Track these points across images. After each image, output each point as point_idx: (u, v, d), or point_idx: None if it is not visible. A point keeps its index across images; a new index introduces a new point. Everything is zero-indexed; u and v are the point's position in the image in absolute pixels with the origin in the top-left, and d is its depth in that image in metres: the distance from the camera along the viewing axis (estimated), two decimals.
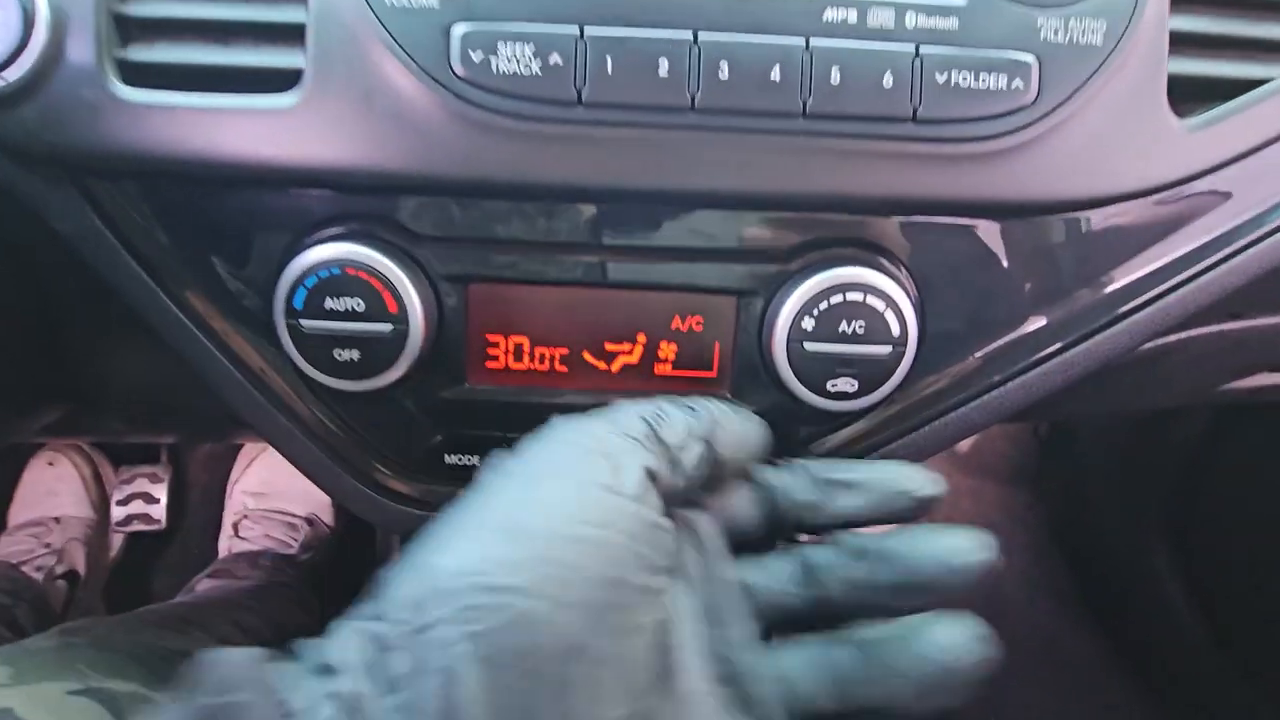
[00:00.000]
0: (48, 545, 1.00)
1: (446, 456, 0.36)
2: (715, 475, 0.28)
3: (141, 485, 1.07)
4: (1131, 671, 0.92)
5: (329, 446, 0.36)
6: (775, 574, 0.28)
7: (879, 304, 0.31)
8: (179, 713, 0.18)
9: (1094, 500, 0.96)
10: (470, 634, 0.18)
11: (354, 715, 0.17)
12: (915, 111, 0.29)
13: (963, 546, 0.27)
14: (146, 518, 1.06)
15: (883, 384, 0.32)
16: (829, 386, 0.32)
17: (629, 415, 0.25)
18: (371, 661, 0.18)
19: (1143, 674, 0.91)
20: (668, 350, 0.35)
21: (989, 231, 0.32)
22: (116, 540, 1.08)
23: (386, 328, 0.32)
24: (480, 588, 0.19)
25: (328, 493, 0.37)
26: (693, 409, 0.27)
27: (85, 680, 0.37)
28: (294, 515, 1.02)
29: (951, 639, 0.25)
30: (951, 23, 0.29)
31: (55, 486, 1.07)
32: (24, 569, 0.97)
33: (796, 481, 0.30)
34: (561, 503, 0.21)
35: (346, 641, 0.19)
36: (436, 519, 0.22)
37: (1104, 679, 0.92)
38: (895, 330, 0.32)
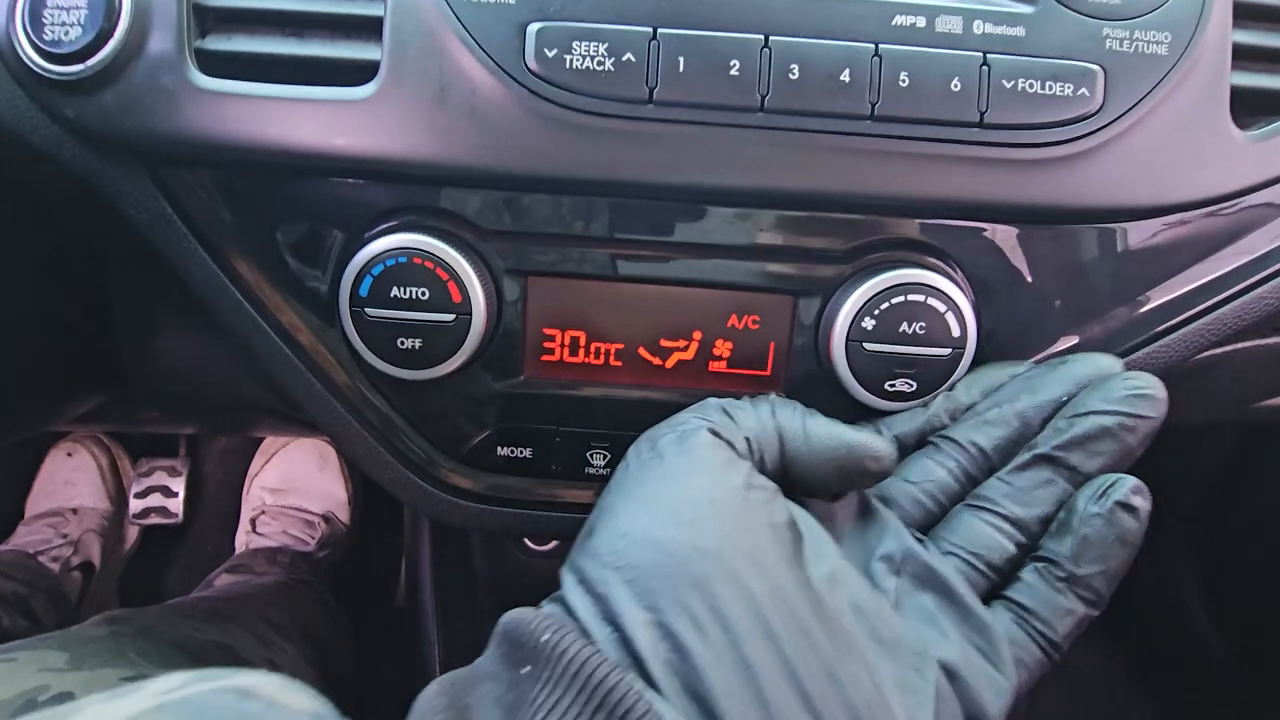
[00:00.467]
0: (65, 536, 1.00)
1: (499, 449, 0.36)
2: (813, 467, 0.29)
3: (160, 478, 1.07)
4: (1148, 690, 0.91)
5: (382, 435, 0.37)
6: (917, 465, 0.31)
7: (940, 305, 0.32)
8: (497, 644, 0.25)
9: None
10: (615, 568, 0.25)
11: (572, 619, 0.25)
12: (982, 116, 0.30)
13: (1100, 359, 0.30)
14: (164, 511, 1.06)
15: (941, 385, 0.33)
16: (887, 387, 0.33)
17: (704, 402, 0.30)
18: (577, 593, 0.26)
19: (1160, 693, 0.91)
20: (723, 348, 0.35)
21: (1048, 237, 0.33)
22: (132, 533, 1.08)
23: (450, 317, 0.32)
24: (617, 535, 0.25)
25: (377, 480, 0.38)
26: (765, 404, 0.30)
27: (137, 668, 0.37)
28: (312, 513, 1.02)
29: (1135, 378, 0.29)
30: (1019, 31, 0.30)
31: (73, 477, 1.07)
32: (41, 559, 0.97)
33: (936, 410, 0.32)
34: (656, 468, 0.27)
35: (566, 579, 0.26)
36: (599, 502, 0.28)
37: (1120, 698, 0.92)
38: (955, 331, 0.32)
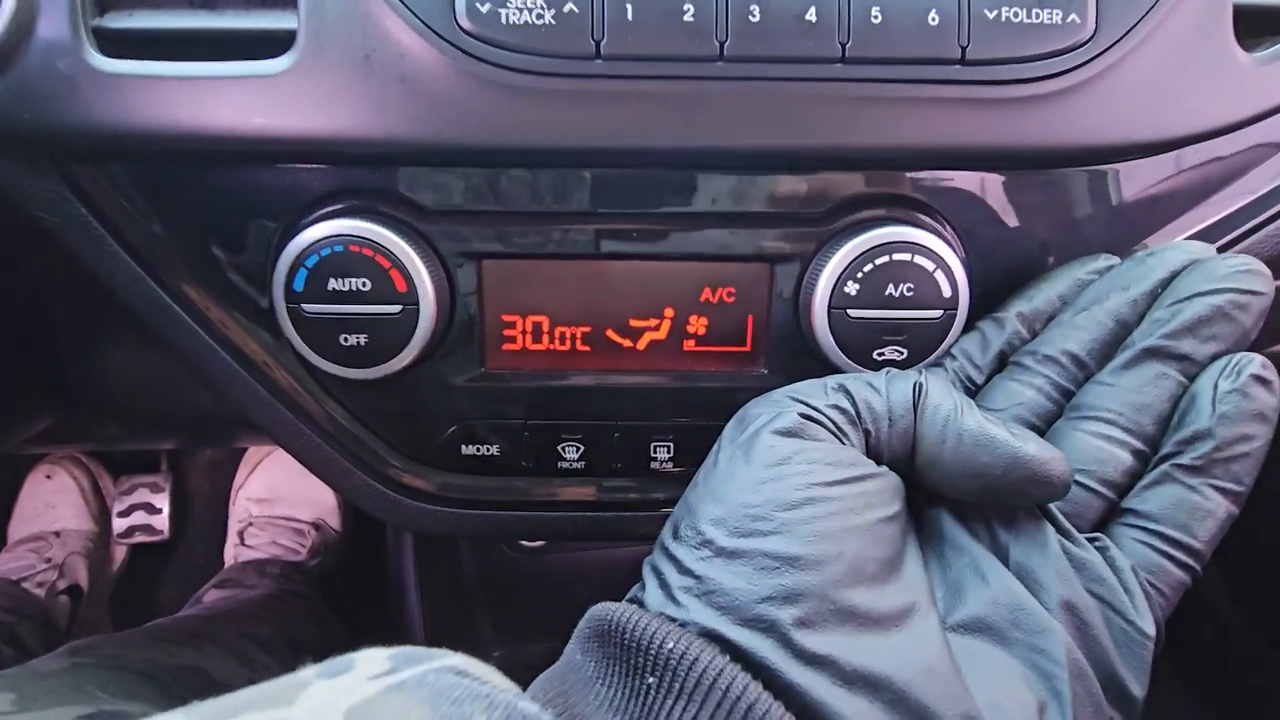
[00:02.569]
0: (49, 560, 0.98)
1: (463, 448, 0.34)
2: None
3: (142, 495, 1.05)
4: (1162, 654, 0.90)
5: (337, 441, 0.34)
6: (999, 390, 0.27)
7: (928, 264, 0.29)
8: (594, 641, 0.23)
9: None
10: (699, 591, 0.22)
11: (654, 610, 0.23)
12: (964, 52, 0.27)
13: (1191, 244, 0.27)
14: (149, 528, 1.04)
15: (933, 351, 0.30)
16: (875, 356, 0.30)
17: (825, 379, 0.26)
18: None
19: (1172, 656, 0.90)
20: (697, 324, 0.32)
21: (1042, 183, 0.30)
22: (119, 552, 1.06)
23: (395, 309, 0.30)
24: (699, 543, 0.23)
25: (336, 490, 0.35)
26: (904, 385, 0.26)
27: (96, 703, 0.35)
28: (301, 521, 1.00)
29: (1235, 256, 0.25)
30: None
31: (54, 499, 1.04)
32: (25, 585, 0.94)
33: (1012, 328, 0.29)
34: (737, 463, 0.24)
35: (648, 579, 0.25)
36: (688, 488, 0.26)
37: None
38: (946, 291, 0.29)
